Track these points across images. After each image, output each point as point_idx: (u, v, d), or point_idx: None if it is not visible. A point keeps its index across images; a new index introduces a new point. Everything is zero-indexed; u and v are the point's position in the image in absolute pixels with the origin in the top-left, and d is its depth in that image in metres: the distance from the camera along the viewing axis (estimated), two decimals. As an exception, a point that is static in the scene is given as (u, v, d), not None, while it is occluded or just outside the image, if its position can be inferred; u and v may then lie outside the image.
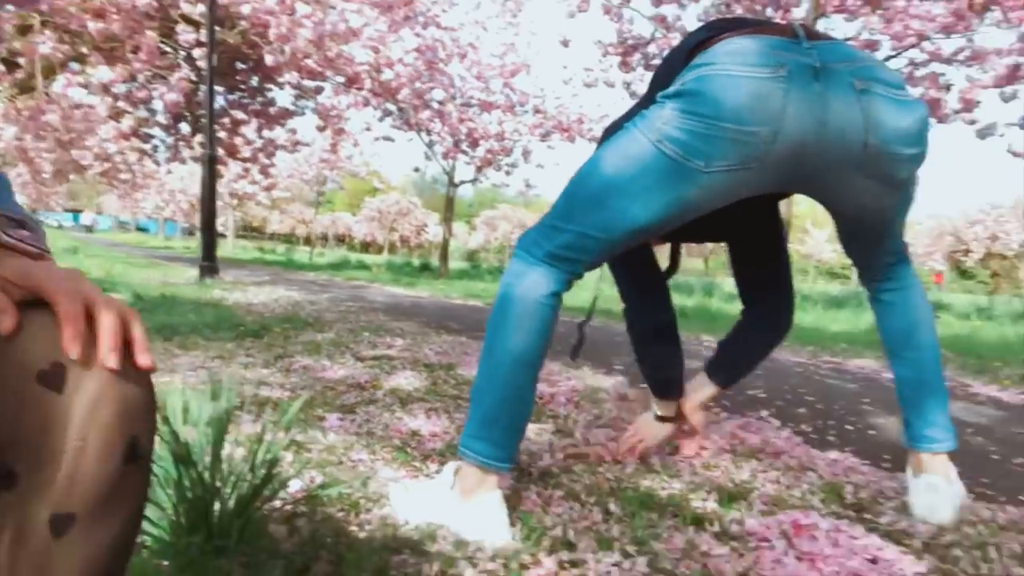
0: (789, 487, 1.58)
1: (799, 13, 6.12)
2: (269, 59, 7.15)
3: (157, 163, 9.84)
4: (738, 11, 6.09)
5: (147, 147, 9.21)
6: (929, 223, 30.66)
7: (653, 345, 1.75)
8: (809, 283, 24.47)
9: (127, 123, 7.65)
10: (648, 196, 1.21)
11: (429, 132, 10.81)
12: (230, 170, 10.60)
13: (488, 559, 1.20)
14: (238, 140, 8.61)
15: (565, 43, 7.95)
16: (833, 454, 1.89)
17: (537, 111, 11.54)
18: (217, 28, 6.82)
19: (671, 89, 1.22)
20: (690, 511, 1.42)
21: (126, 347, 0.55)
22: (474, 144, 11.32)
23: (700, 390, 1.81)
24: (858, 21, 6.23)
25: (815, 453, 1.89)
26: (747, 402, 2.60)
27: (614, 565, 1.18)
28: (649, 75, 7.35)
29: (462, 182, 13.04)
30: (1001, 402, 3.01)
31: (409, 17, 8.27)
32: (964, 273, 33.09)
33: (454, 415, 2.11)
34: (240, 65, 8.25)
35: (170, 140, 9.20)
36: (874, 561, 1.20)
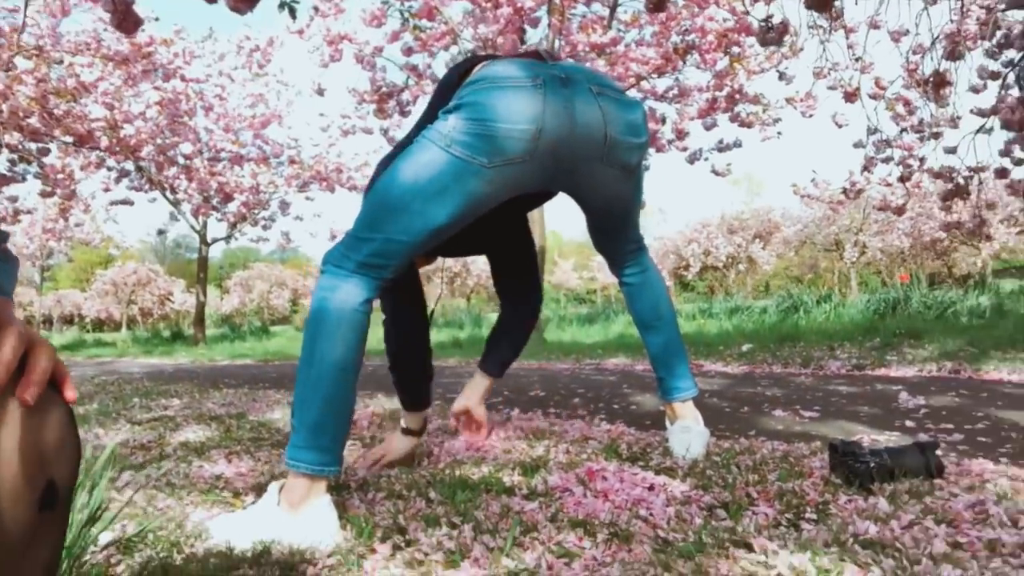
0: (577, 453, 1.84)
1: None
2: (-17, 120, 6.20)
3: None
4: (481, 57, 6.62)
5: None
6: (656, 245, 34.52)
7: (408, 362, 1.89)
8: (562, 308, 26.41)
9: None
10: (444, 196, 1.39)
11: (175, 190, 10.12)
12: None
13: (326, 556, 1.27)
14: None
15: (320, 91, 7.98)
16: (606, 426, 2.20)
17: (292, 162, 11.31)
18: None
19: (451, 105, 1.42)
20: (500, 484, 1.60)
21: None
22: (227, 199, 10.79)
23: (478, 385, 2.02)
24: (586, 64, 7.07)
25: (592, 427, 2.19)
26: (531, 401, 2.87)
27: (444, 536, 1.32)
28: (405, 121, 7.68)
29: (215, 240, 12.37)
30: (727, 374, 3.63)
31: (148, 70, 7.75)
32: (686, 285, 37.63)
33: (256, 455, 2.10)
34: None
35: None
36: (651, 488, 1.47)
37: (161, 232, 15.14)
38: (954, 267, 24.58)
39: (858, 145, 5.84)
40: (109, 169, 9.25)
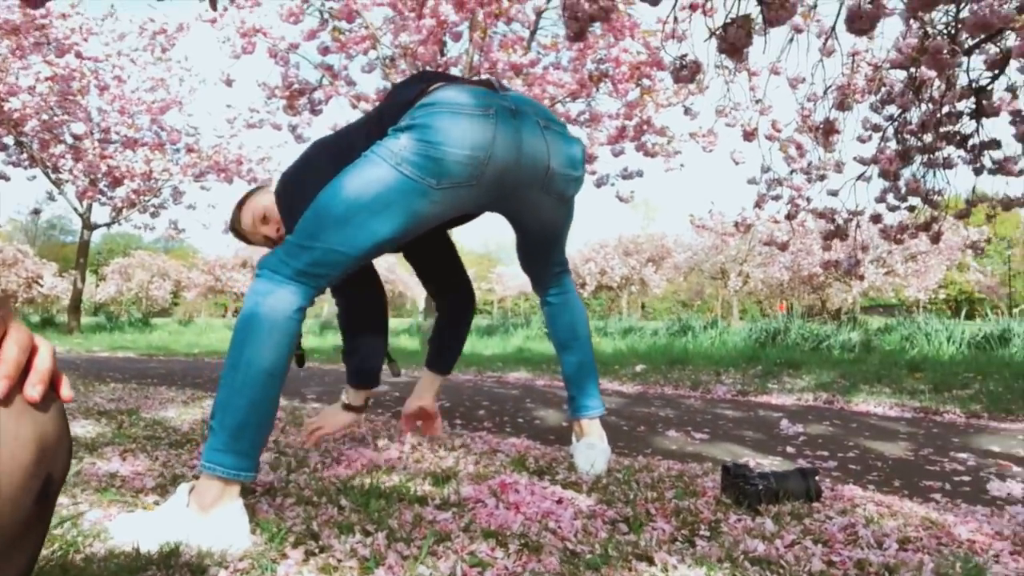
0: (486, 465, 1.89)
1: (454, 72, 6.87)
2: None
3: None
4: (401, 66, 6.60)
5: None
6: (554, 261, 35.06)
7: (367, 338, 1.93)
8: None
9: None
10: (390, 212, 1.42)
11: (58, 169, 9.42)
12: None
13: (237, 559, 1.27)
14: None
15: (228, 83, 7.68)
16: (513, 440, 2.27)
17: (190, 150, 10.81)
18: None
19: (403, 124, 1.45)
20: (412, 494, 1.63)
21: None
22: (115, 183, 10.17)
23: (431, 384, 2.09)
24: (504, 82, 7.18)
25: (499, 440, 2.25)
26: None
27: (358, 543, 1.34)
28: (316, 119, 7.53)
29: (97, 225, 11.65)
30: (623, 393, 3.79)
31: (40, 43, 7.24)
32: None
33: (154, 454, 2.04)
34: None
35: None
36: (560, 501, 1.54)
37: (36, 211, 14.10)
38: (827, 302, 26.33)
39: (752, 182, 6.21)
40: (-16, 142, 8.59)
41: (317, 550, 1.30)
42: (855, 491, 1.73)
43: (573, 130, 7.89)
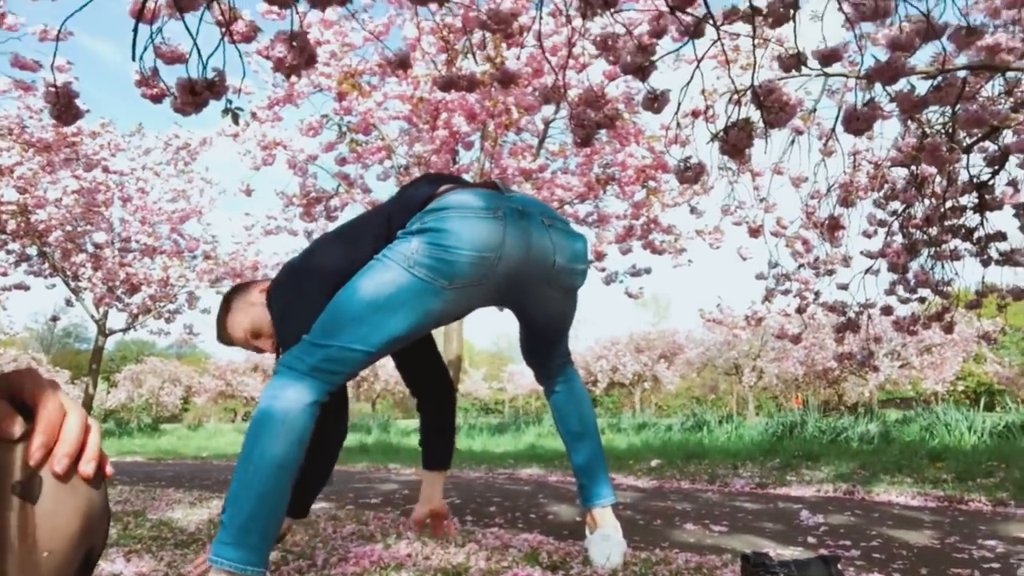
0: (498, 560, 1.85)
1: (466, 178, 7.10)
2: None
3: None
4: (415, 173, 6.83)
5: None
6: (566, 359, 34.84)
7: (311, 466, 1.73)
8: (472, 417, 26.22)
9: None
10: (403, 311, 1.46)
11: (77, 277, 9.62)
12: None
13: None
14: None
15: (248, 192, 7.97)
16: (525, 535, 2.21)
17: (207, 257, 11.06)
18: None
19: (414, 227, 1.51)
20: (422, 590, 1.59)
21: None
22: (133, 290, 10.35)
23: (434, 484, 1.94)
24: (514, 188, 7.38)
25: (511, 535, 2.20)
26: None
27: (367, 639, 1.30)
28: (331, 224, 7.74)
29: (112, 331, 11.76)
30: (639, 488, 3.70)
31: (70, 159, 7.56)
32: (593, 400, 38.10)
33: (159, 554, 2.01)
34: None
35: None
36: (574, 594, 1.49)
37: (55, 319, 14.41)
38: (844, 396, 25.90)
39: (760, 277, 6.25)
40: (9, 253, 8.81)
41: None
42: (880, 580, 1.68)
43: (582, 230, 8.04)
